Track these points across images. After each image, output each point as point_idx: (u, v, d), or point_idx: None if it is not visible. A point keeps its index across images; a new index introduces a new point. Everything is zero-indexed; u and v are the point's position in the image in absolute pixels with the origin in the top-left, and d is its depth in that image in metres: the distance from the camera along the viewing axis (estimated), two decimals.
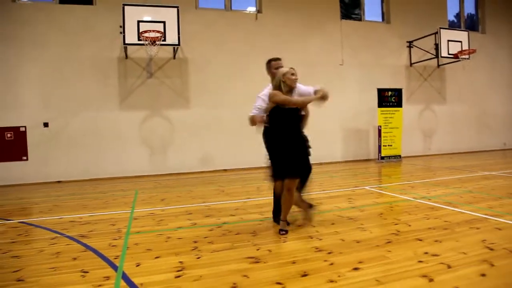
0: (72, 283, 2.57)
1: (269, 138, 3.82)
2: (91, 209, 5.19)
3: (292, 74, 3.58)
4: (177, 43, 8.48)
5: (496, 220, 3.88)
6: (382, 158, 10.04)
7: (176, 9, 8.38)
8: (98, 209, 5.15)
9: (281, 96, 3.52)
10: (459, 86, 12.31)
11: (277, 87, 3.57)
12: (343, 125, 10.59)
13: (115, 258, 3.05)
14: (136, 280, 2.58)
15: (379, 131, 9.98)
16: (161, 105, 9.09)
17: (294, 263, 2.82)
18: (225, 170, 9.36)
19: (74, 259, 3.08)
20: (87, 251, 3.27)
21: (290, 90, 3.61)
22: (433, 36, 10.96)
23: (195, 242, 3.43)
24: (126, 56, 8.78)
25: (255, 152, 9.72)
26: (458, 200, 4.94)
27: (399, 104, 10.11)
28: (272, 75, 3.94)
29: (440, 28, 10.80)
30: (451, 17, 13.02)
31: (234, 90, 9.55)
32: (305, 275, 2.58)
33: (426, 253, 2.98)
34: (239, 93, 9.49)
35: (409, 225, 3.80)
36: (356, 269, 2.66)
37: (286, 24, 10.13)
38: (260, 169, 9.21)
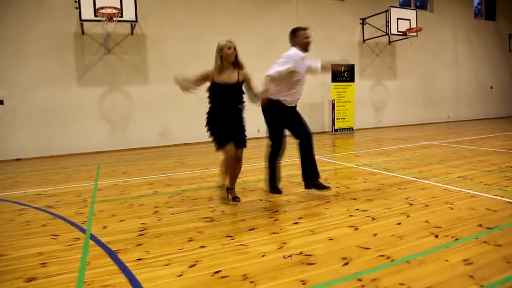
0: (44, 244, 2.87)
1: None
2: (55, 183, 5.38)
3: (229, 48, 3.70)
4: (134, 20, 8.50)
5: (422, 182, 4.49)
6: (336, 130, 10.66)
7: None
8: (62, 183, 5.34)
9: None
10: (408, 62, 13.07)
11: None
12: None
13: (83, 223, 3.36)
14: (103, 239, 2.91)
15: (333, 105, 10.56)
16: (120, 81, 9.14)
17: (243, 220, 3.26)
18: (185, 144, 9.63)
19: (44, 225, 3.35)
20: (55, 219, 3.54)
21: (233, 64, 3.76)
22: (384, 14, 11.51)
23: (156, 207, 3.78)
24: (83, 32, 8.69)
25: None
26: (395, 166, 5.55)
27: (351, 79, 10.69)
28: (299, 45, 3.97)
29: (391, 6, 11.36)
30: None
31: (192, 66, 9.65)
32: (252, 229, 3.02)
33: (357, 209, 3.50)
34: (196, 69, 9.66)
35: (348, 188, 4.33)
36: (296, 223, 3.12)
37: (242, 2, 10.30)
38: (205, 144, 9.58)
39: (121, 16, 8.30)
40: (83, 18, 8.04)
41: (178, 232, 3.01)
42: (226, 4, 10.13)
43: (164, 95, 9.47)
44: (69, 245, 2.82)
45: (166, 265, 2.42)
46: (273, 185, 4.20)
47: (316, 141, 9.20)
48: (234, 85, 3.76)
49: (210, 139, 3.89)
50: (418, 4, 13.97)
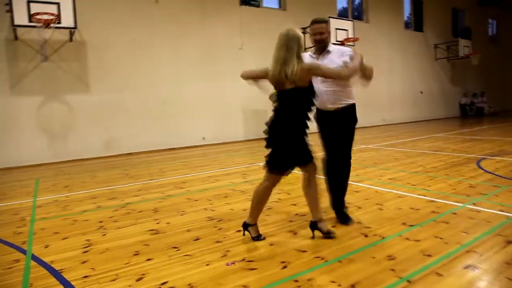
0: None
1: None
2: None
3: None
4: (73, 27, 8.25)
5: (356, 185, 4.85)
6: None
7: None
8: None
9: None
10: None
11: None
12: (244, 106, 11.31)
13: (23, 243, 3.27)
14: (46, 259, 2.88)
15: None
16: (59, 90, 8.80)
17: (189, 231, 3.36)
18: (129, 153, 9.47)
19: None
20: None
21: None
22: None
23: (101, 222, 3.77)
24: (16, 38, 8.28)
25: (158, 134, 10.00)
26: None
27: None
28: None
29: (330, 17, 11.93)
30: (344, 5, 14.45)
31: (136, 74, 9.62)
32: (197, 239, 3.14)
33: (297, 214, 3.74)
34: (141, 77, 9.63)
35: (289, 194, 4.58)
36: (239, 231, 3.28)
37: (187, 9, 10.34)
38: (164, 151, 9.55)
39: (59, 23, 8.03)
40: (16, 23, 7.64)
41: (123, 246, 3.05)
42: (171, 10, 10.10)
43: (106, 103, 9.27)
44: (9, 268, 2.76)
45: (113, 280, 2.47)
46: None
47: (260, 147, 9.47)
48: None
49: (274, 159, 3.05)
50: (355, 15, 14.81)
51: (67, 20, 8.12)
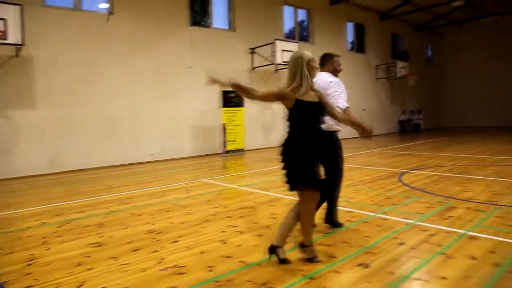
0: None
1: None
2: None
3: (315, 62, 3.26)
4: (20, 43, 8.29)
5: (287, 198, 5.36)
6: (227, 152, 11.46)
7: (19, 7, 8.16)
8: None
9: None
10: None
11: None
12: (192, 123, 11.67)
13: None
14: None
15: (224, 128, 11.37)
16: (4, 105, 8.72)
17: (130, 243, 3.69)
18: (79, 170, 9.48)
19: None
20: None
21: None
22: (271, 45, 12.80)
23: (45, 237, 3.99)
24: None
25: (108, 151, 10.09)
26: (271, 185, 6.42)
27: (241, 104, 11.65)
28: (333, 71, 4.09)
29: (276, 39, 12.69)
30: (291, 27, 15.32)
31: (85, 91, 9.71)
32: (136, 250, 3.48)
33: (230, 225, 4.17)
34: (91, 94, 9.74)
35: (226, 207, 5.00)
36: (175, 241, 3.66)
37: (138, 28, 10.60)
38: (113, 168, 9.67)
39: (5, 39, 8.05)
40: None
41: (66, 259, 3.33)
42: (122, 29, 10.33)
43: (54, 119, 9.27)
44: None
45: None
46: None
47: (206, 164, 9.92)
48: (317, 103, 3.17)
49: (289, 175, 3.08)
50: (302, 36, 15.74)
51: (14, 36, 8.16)
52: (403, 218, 4.28)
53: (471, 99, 23.46)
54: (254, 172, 8.14)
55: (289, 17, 15.18)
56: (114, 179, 7.80)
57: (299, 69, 3.06)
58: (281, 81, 14.18)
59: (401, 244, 3.44)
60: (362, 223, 4.14)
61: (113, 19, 10.21)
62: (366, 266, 2.98)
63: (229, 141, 11.47)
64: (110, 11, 10.24)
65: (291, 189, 3.09)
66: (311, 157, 3.07)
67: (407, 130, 20.95)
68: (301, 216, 3.10)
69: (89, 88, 9.76)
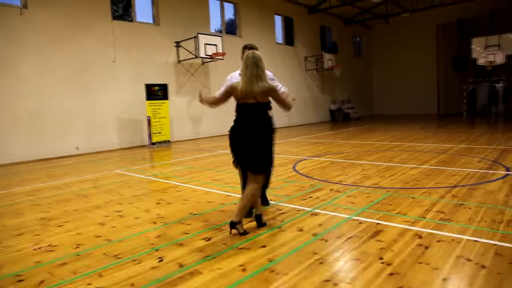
0: None
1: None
2: None
3: None
4: None
5: (183, 186, 6.00)
6: (153, 143, 11.92)
7: None
8: None
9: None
10: (221, 80, 15.13)
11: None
12: (118, 116, 11.97)
13: None
14: None
15: (149, 121, 11.80)
16: None
17: (18, 229, 4.17)
18: None
19: None
20: None
21: None
22: (194, 38, 13.28)
23: None
24: None
25: (28, 147, 10.14)
26: (176, 174, 7.05)
27: (165, 97, 12.11)
28: None
29: (198, 33, 13.17)
30: (217, 20, 15.84)
31: (0, 87, 9.66)
32: (21, 234, 3.98)
33: (116, 210, 4.75)
34: (6, 90, 9.68)
35: (122, 195, 5.57)
36: (60, 226, 4.20)
37: (55, 23, 10.61)
38: (35, 162, 9.83)
39: None
40: None
41: None
42: (38, 23, 10.30)
43: None
44: None
45: None
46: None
47: (129, 155, 10.33)
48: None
49: (261, 160, 3.65)
50: (228, 30, 16.32)
51: None
52: (270, 199, 5.01)
53: (399, 88, 25.38)
54: (166, 163, 8.74)
55: (216, 11, 15.69)
56: (29, 174, 8.06)
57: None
58: (209, 74, 14.78)
59: (251, 221, 4.16)
60: (233, 205, 4.83)
61: (27, 13, 10.10)
62: (209, 239, 3.68)
63: (154, 133, 11.92)
64: (23, 5, 10.12)
65: (256, 172, 3.63)
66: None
67: (337, 119, 22.32)
68: (250, 195, 3.63)
69: (3, 84, 9.69)
